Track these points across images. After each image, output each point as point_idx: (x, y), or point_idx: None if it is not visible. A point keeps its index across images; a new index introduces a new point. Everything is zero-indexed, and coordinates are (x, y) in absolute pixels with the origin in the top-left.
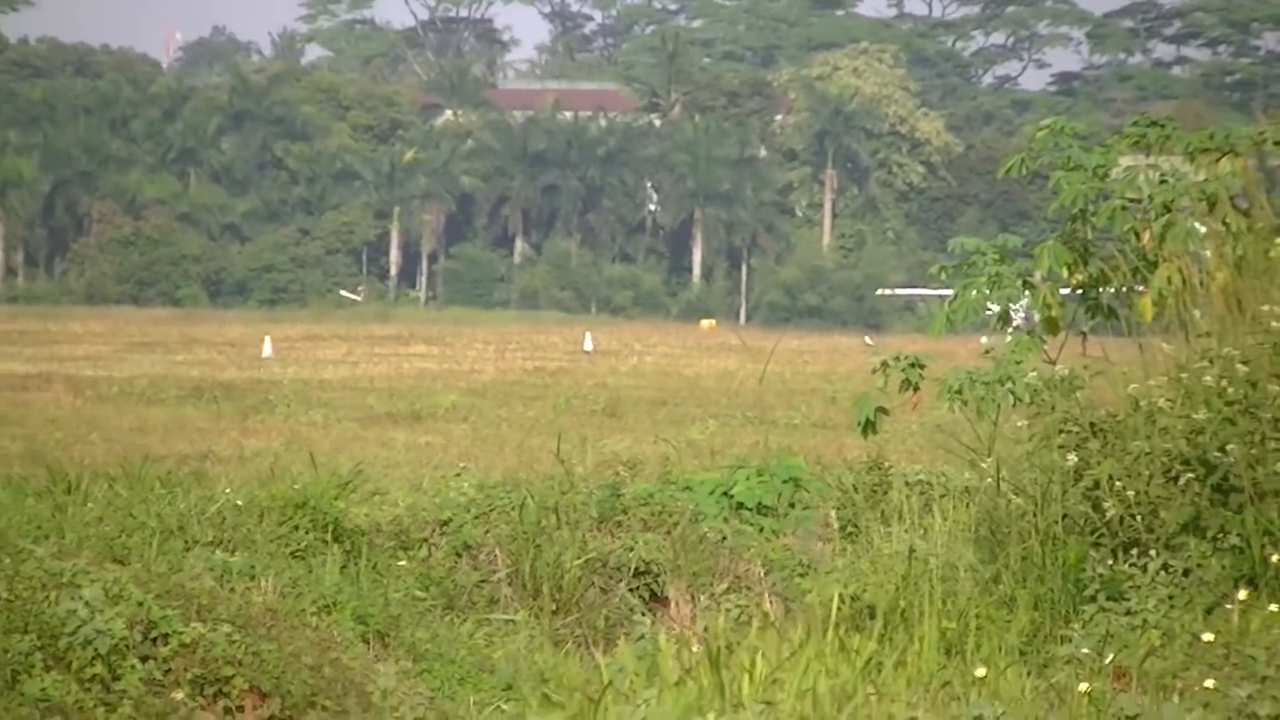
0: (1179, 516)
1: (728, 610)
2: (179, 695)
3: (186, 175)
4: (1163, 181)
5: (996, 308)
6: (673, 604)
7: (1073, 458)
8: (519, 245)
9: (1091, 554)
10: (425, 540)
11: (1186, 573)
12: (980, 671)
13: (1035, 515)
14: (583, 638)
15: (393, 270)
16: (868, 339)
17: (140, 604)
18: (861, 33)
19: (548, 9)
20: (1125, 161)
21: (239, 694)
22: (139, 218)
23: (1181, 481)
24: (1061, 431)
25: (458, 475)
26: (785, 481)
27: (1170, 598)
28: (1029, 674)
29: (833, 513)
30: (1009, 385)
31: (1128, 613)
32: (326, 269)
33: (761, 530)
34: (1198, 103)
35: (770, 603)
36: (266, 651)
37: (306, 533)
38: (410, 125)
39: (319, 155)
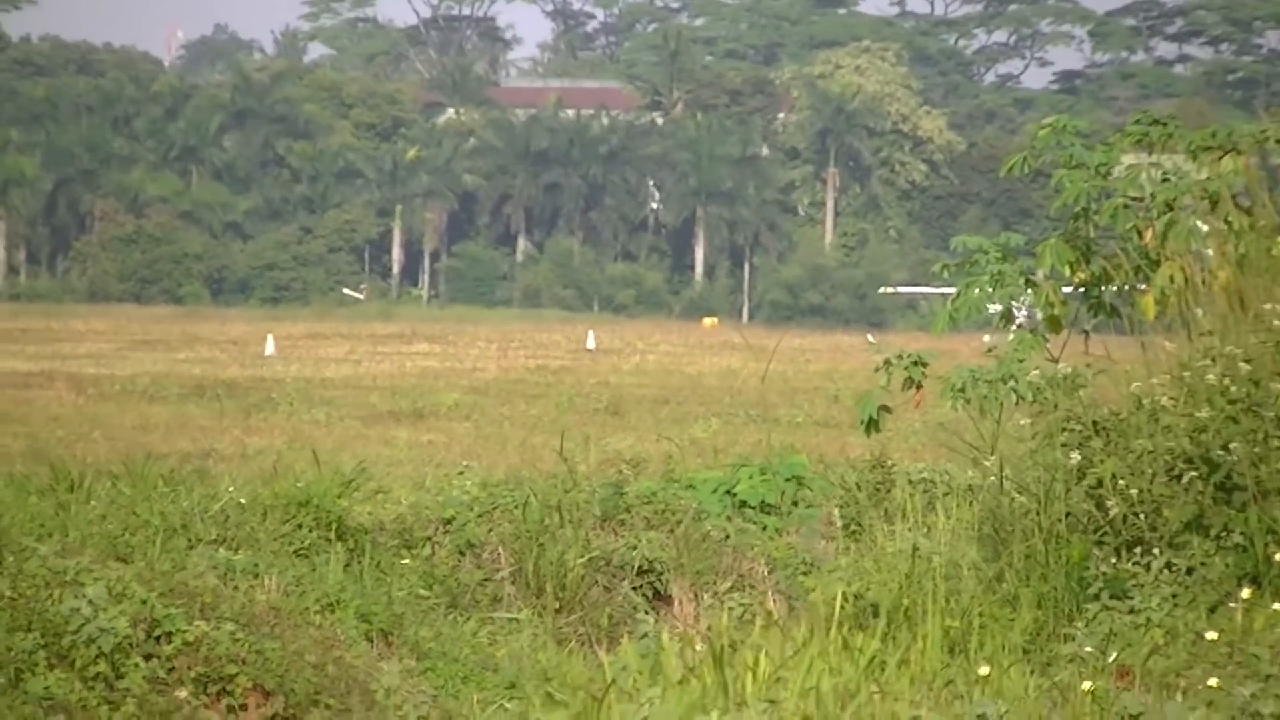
0: (1182, 515)
1: (731, 609)
2: (182, 693)
3: (189, 173)
4: (1165, 180)
5: (999, 306)
6: (676, 602)
7: (1076, 456)
8: (521, 243)
9: (1095, 552)
10: (428, 539)
11: (1190, 571)
12: (984, 670)
13: (1038, 514)
14: (586, 636)
15: (395, 268)
16: (870, 337)
17: (144, 602)
18: (864, 31)
19: (550, 7)
20: (1127, 160)
21: (242, 692)
22: (141, 216)
23: (1184, 480)
24: (1064, 430)
25: (460, 474)
26: (788, 480)
27: (1173, 596)
28: (1032, 672)
29: (836, 511)
30: (1012, 384)
31: (1131, 611)
32: (329, 267)
33: (765, 529)
34: (1200, 101)
35: (773, 601)
36: (270, 650)
37: (310, 531)
38: (413, 123)
39: (321, 153)
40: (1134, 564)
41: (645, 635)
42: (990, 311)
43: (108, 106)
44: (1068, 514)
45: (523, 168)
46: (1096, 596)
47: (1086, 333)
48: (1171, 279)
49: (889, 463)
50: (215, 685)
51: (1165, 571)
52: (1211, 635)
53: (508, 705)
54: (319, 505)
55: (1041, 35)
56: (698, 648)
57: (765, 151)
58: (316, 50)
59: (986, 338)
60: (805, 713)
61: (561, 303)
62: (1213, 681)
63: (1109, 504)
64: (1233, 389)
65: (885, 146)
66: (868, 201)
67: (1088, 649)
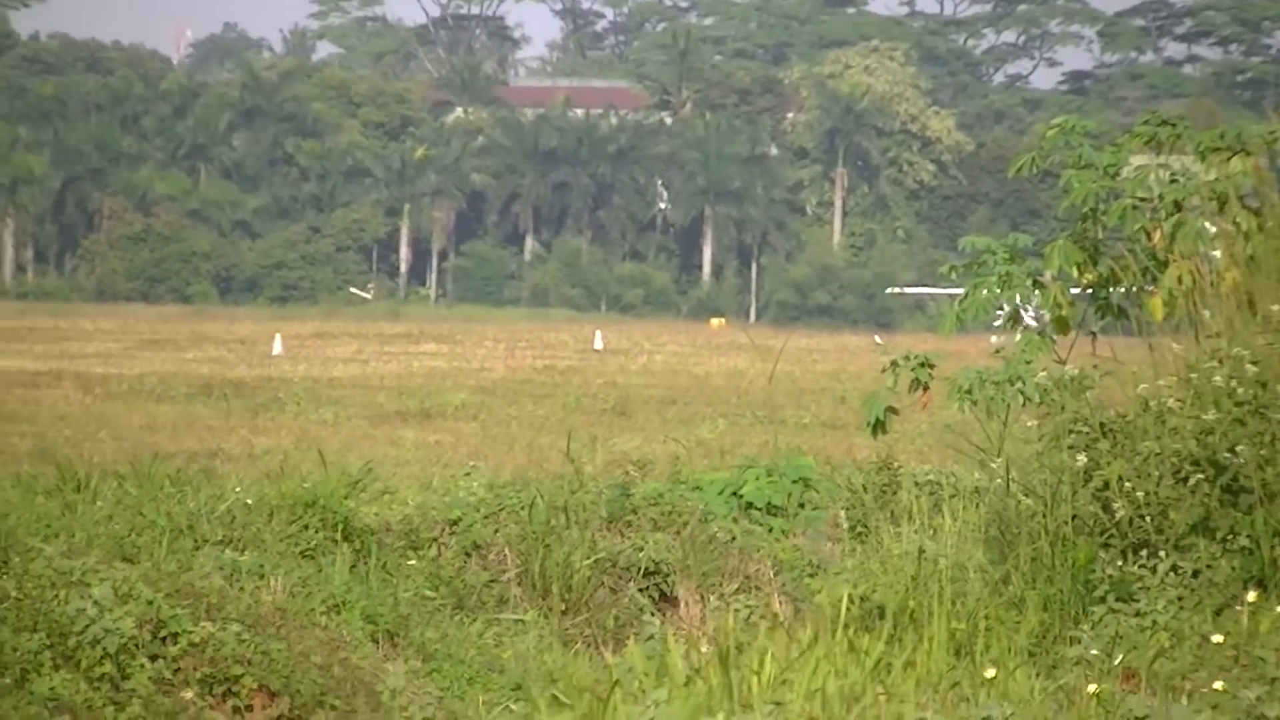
0: (1188, 517)
1: (737, 610)
2: (188, 694)
3: (197, 172)
4: (1173, 180)
5: (1007, 307)
6: (682, 604)
7: (1082, 458)
8: (529, 243)
9: (1101, 555)
10: (435, 539)
11: (1196, 574)
12: (989, 672)
13: (1045, 516)
14: (592, 638)
15: (403, 268)
16: (877, 338)
17: (150, 603)
18: (873, 31)
19: (559, 6)
20: (1136, 160)
21: (248, 693)
22: (149, 214)
23: (1191, 482)
24: (1071, 432)
25: (467, 474)
26: (795, 481)
27: (1180, 599)
28: (1038, 675)
29: (842, 513)
30: (1019, 385)
31: (1137, 614)
32: (337, 266)
33: (771, 530)
34: (1209, 101)
35: (779, 603)
36: (276, 651)
37: (316, 532)
38: (421, 122)
39: (330, 152)
40: (1140, 566)
41: (651, 637)
42: (998, 312)
43: (116, 105)
44: (1074, 516)
45: (531, 167)
46: (1102, 599)
47: (1094, 334)
48: (1179, 280)
49: (895, 464)
50: (221, 686)
51: (1171, 574)
52: (1217, 638)
53: (513, 707)
54: (325, 506)
55: (1050, 35)
56: (703, 649)
57: (774, 151)
58: (325, 49)
59: (994, 339)
60: (811, 715)
61: (569, 302)
62: (1218, 684)
63: (1115, 506)
64: (1240, 391)
65: (894, 146)
66: (876, 201)
67: (1094, 651)
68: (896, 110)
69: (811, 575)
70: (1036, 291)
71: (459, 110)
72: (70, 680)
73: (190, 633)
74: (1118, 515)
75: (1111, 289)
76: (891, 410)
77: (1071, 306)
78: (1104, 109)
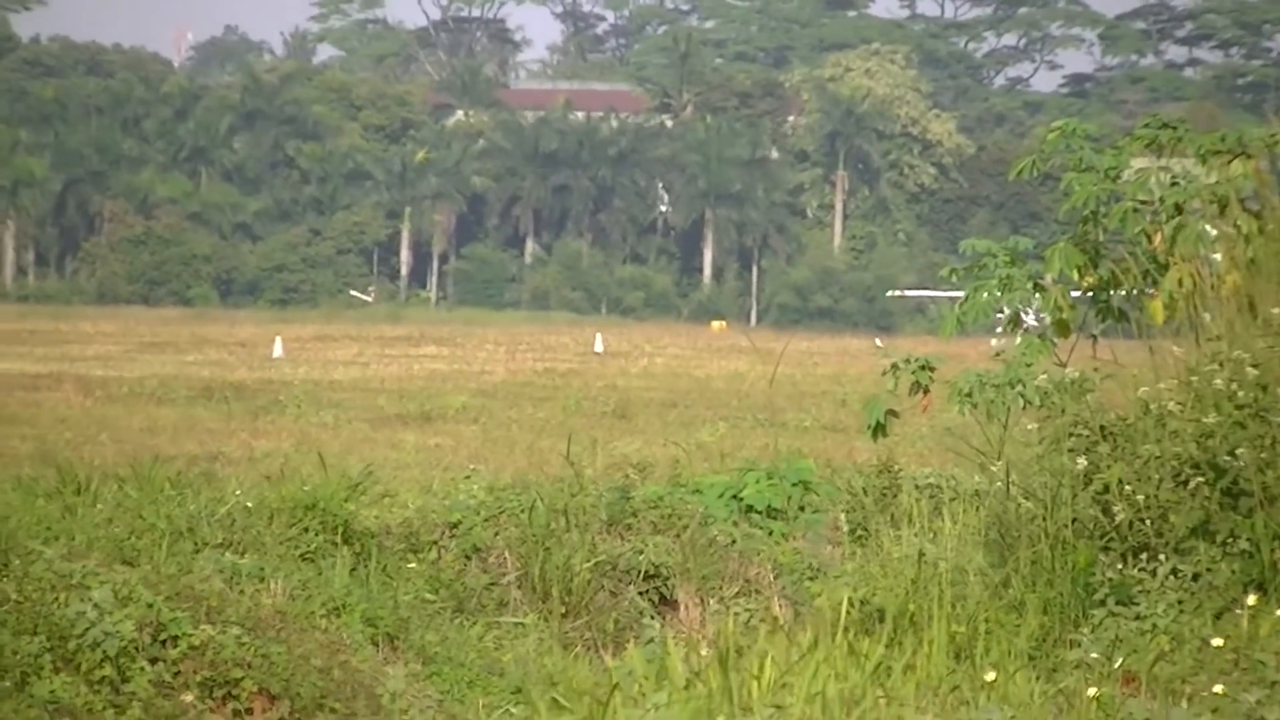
0: (1189, 521)
1: (737, 614)
2: (188, 697)
3: (198, 174)
4: (1174, 183)
5: (1007, 310)
6: (682, 607)
7: (1082, 461)
8: (530, 246)
9: (1101, 558)
10: (435, 543)
11: (1196, 577)
12: (989, 676)
13: (1045, 519)
14: (592, 641)
15: (403, 270)
16: (878, 341)
17: (150, 606)
18: (873, 34)
19: (560, 9)
20: (1137, 163)
21: (248, 696)
22: (150, 217)
23: (1191, 485)
24: (1071, 435)
25: (467, 477)
26: (795, 485)
27: (1180, 602)
28: (1038, 678)
29: (842, 516)
30: (1019, 388)
31: (1137, 617)
32: (337, 269)
33: (771, 534)
34: (1210, 105)
35: (779, 606)
36: (276, 654)
37: (316, 535)
38: (422, 125)
39: (330, 155)
40: (1140, 570)
41: (651, 640)
42: (998, 315)
43: (117, 107)
44: (1074, 519)
45: (531, 170)
46: (1103, 602)
47: (1094, 337)
48: (1180, 283)
49: (896, 467)
50: (221, 689)
51: (1171, 577)
52: (1217, 641)
53: (513, 710)
54: (325, 509)
55: (1051, 38)
56: (703, 653)
57: (774, 154)
58: (326, 52)
59: (994, 342)
60: (811, 718)
61: (570, 305)
62: (1218, 688)
63: (1116, 509)
64: (1240, 394)
65: (894, 149)
66: (876, 204)
67: (1093, 655)
68: (897, 113)
69: (811, 578)
70: (1037, 294)
71: (460, 113)
72: (70, 683)
73: (190, 636)
74: (1118, 518)
75: (1112, 292)
76: (892, 413)
77: (1072, 309)
78: (1105, 112)
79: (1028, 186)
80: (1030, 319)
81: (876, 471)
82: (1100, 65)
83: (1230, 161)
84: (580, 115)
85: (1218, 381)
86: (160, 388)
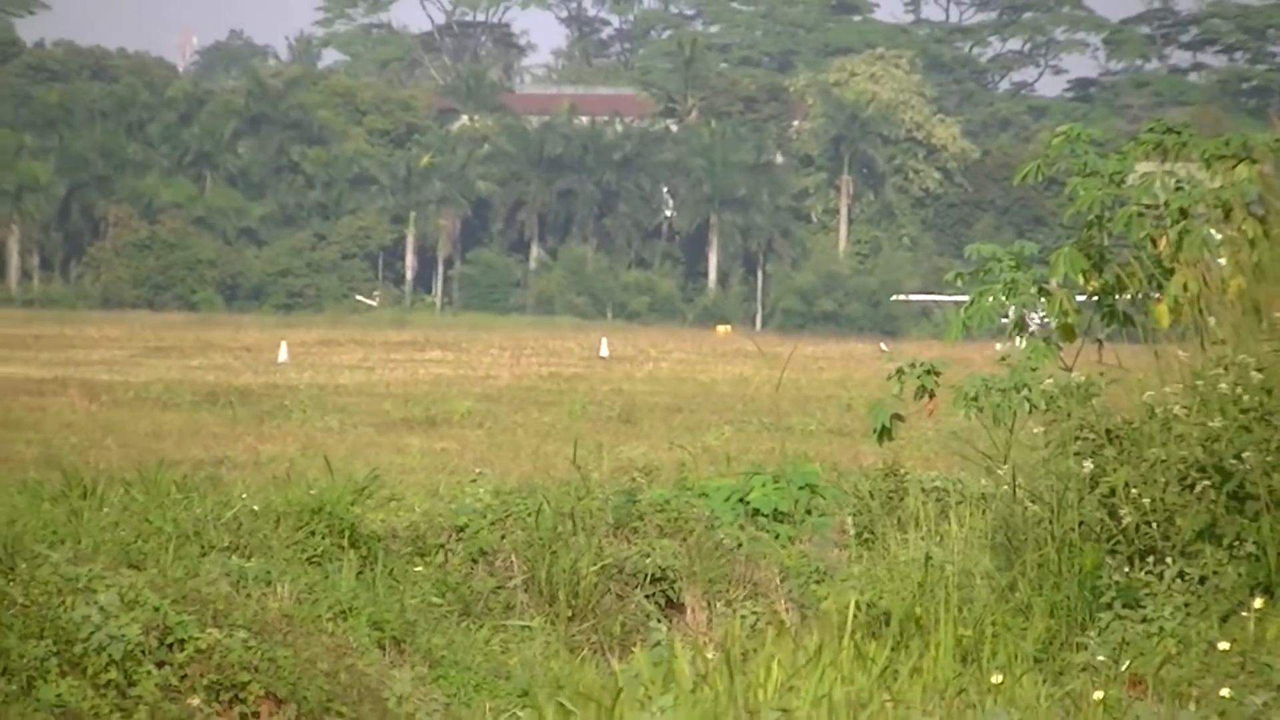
0: (1195, 524)
1: (743, 617)
2: (195, 701)
3: (202, 179)
4: (1179, 188)
5: (1012, 314)
6: (689, 611)
7: (1088, 465)
8: (535, 250)
9: (1107, 561)
10: (441, 546)
11: (1202, 580)
12: (996, 679)
13: (1051, 522)
14: (599, 644)
15: (408, 275)
16: (883, 345)
17: (156, 609)
18: (878, 38)
19: (564, 14)
20: (1142, 168)
21: (255, 700)
22: (155, 222)
23: (1197, 489)
24: (1077, 439)
25: (473, 481)
26: (801, 488)
27: (1186, 605)
28: (1044, 681)
29: (849, 519)
30: (1025, 392)
31: (1144, 620)
32: (342, 274)
33: (777, 537)
34: (1214, 109)
35: (786, 610)
36: (282, 657)
37: (322, 538)
38: (426, 130)
39: (335, 159)
40: (1147, 573)
41: (658, 643)
42: (1003, 320)
43: (122, 112)
44: (1080, 523)
45: (536, 174)
46: (1109, 605)
47: (1100, 341)
48: (1185, 287)
49: (902, 471)
50: (227, 693)
51: (1178, 581)
52: (1224, 645)
53: (520, 713)
54: (332, 513)
55: (1056, 43)
56: (710, 656)
57: (779, 158)
58: (331, 56)
59: (999, 346)
60: None
61: (575, 310)
62: (1225, 691)
63: (1122, 513)
64: (1246, 398)
65: (899, 154)
66: (881, 209)
67: (1100, 658)
68: (902, 118)
69: (818, 582)
70: (1042, 299)
71: (464, 117)
72: (76, 687)
73: (197, 639)
74: (1124, 522)
75: (1117, 296)
76: (898, 417)
77: (1077, 314)
78: (1109, 116)
79: (1032, 191)
80: (1035, 323)
81: (883, 475)
82: (1105, 70)
83: (1235, 166)
84: (585, 120)
85: (1223, 385)
86: (165, 392)
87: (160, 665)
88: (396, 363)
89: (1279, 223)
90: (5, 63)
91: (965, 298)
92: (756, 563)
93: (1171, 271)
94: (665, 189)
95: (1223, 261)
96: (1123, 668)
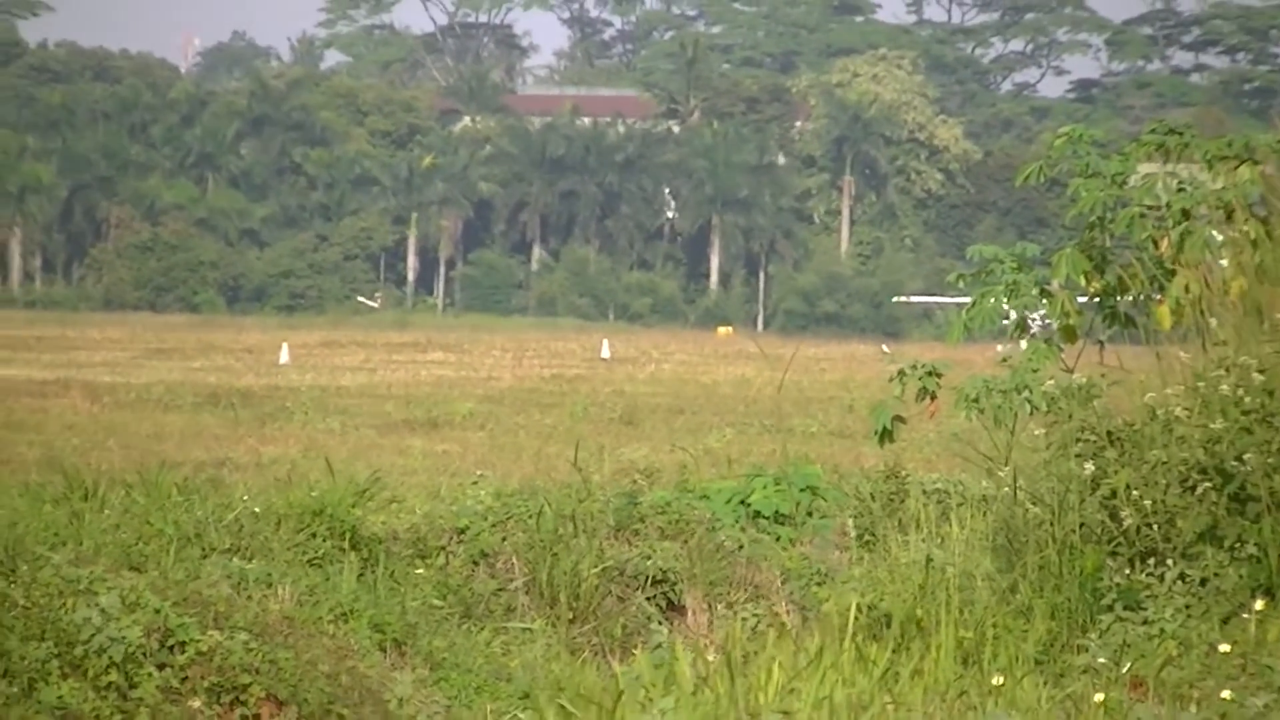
0: (1196, 526)
1: (744, 619)
2: (195, 703)
3: (205, 180)
4: (1181, 189)
5: (1014, 316)
6: (690, 613)
7: (1090, 467)
8: (537, 252)
9: (1108, 563)
10: (442, 548)
11: (1203, 582)
12: (997, 680)
13: (1052, 524)
14: (600, 646)
15: (410, 276)
16: (885, 347)
17: (157, 611)
18: (881, 39)
19: (567, 15)
20: (1143, 169)
21: (256, 702)
22: (157, 223)
23: (1198, 491)
24: (1079, 440)
25: (475, 483)
26: (802, 490)
27: (1187, 607)
28: (1045, 683)
29: (850, 521)
30: (1026, 394)
31: (1145, 622)
32: (344, 275)
33: (778, 539)
34: (1216, 110)
35: (787, 612)
36: (283, 659)
37: (324, 540)
38: (429, 131)
39: (337, 161)
40: (1148, 575)
41: (659, 645)
42: (1005, 321)
43: (124, 113)
44: (1082, 525)
45: (539, 175)
46: (1110, 607)
47: (1101, 343)
48: (1187, 289)
49: (903, 473)
50: (228, 695)
51: (1179, 582)
52: (1225, 647)
53: (521, 715)
54: (333, 514)
55: (1058, 44)
56: (711, 658)
57: (781, 159)
58: (333, 57)
59: (1000, 347)
60: None
61: (577, 311)
62: (1226, 693)
63: (1123, 515)
64: (1247, 400)
65: (901, 155)
66: (883, 210)
67: (1101, 660)
68: (904, 119)
69: (819, 584)
70: (1044, 300)
71: (466, 119)
72: (78, 689)
73: (198, 641)
74: (1125, 523)
75: (1119, 297)
76: (899, 419)
77: (1079, 315)
78: (1111, 117)
79: (1034, 192)
80: (1037, 325)
81: (884, 477)
82: (1107, 71)
83: (1237, 167)
84: (587, 121)
85: (1224, 387)
86: (167, 394)
87: (161, 667)
88: (398, 364)
89: None
90: (8, 64)
91: (967, 299)
92: (758, 565)
93: (1173, 273)
94: (667, 190)
95: (1224, 263)
96: (1124, 670)
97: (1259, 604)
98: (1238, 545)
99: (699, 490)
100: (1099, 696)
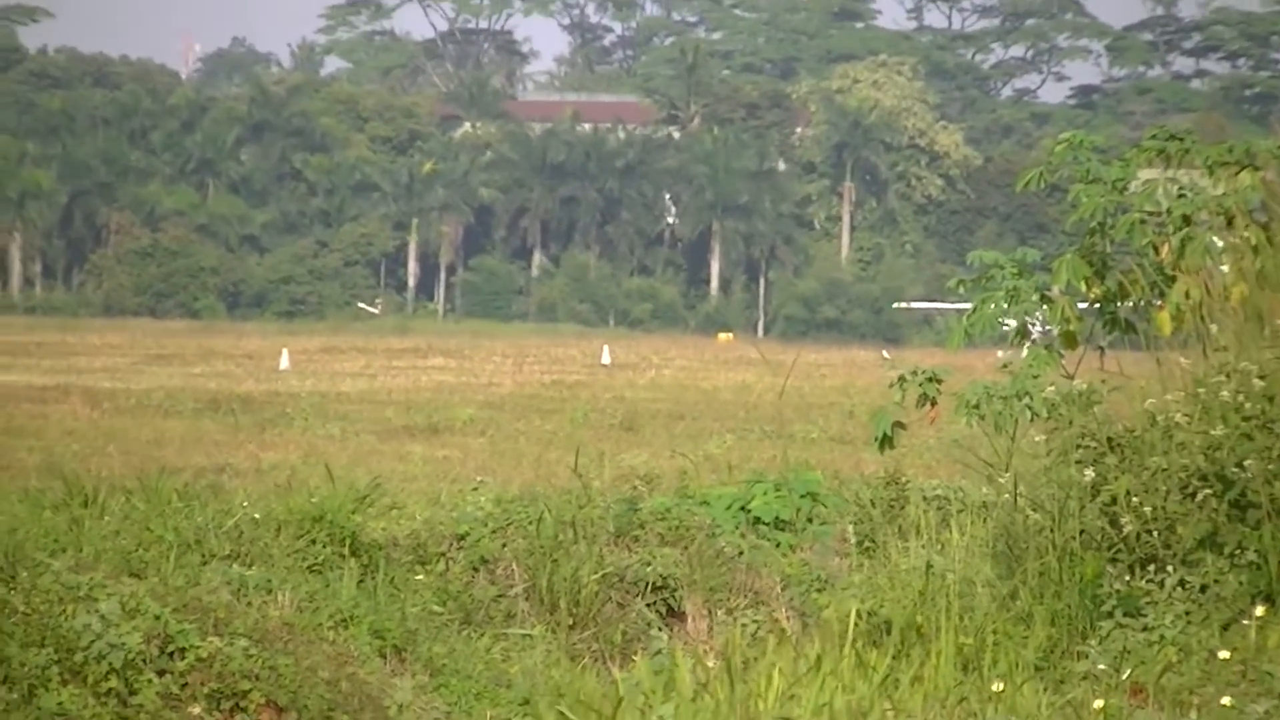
0: (1196, 532)
1: (744, 625)
2: (195, 710)
3: (205, 186)
4: (1181, 195)
5: (1014, 322)
6: (690, 619)
7: (1090, 473)
8: (537, 257)
9: (1109, 570)
10: (443, 554)
11: (1203, 589)
12: (997, 687)
13: (1052, 531)
14: (600, 653)
15: (411, 282)
16: (885, 353)
17: (157, 618)
18: (881, 45)
19: (567, 21)
20: (1144, 175)
21: (256, 708)
22: (157, 229)
23: (1199, 497)
24: (1079, 447)
25: (475, 489)
26: (803, 496)
27: (1187, 614)
28: (1045, 690)
29: (850, 528)
30: (1026, 400)
31: (1145, 629)
32: (344, 281)
33: (779, 545)
34: (1217, 116)
35: (787, 618)
36: (283, 666)
37: (324, 546)
38: (429, 136)
39: (338, 167)
40: (1148, 581)
41: (659, 652)
42: (1005, 327)
43: (124, 119)
44: (1082, 531)
45: (539, 181)
46: (1110, 614)
47: (1102, 349)
48: (1187, 295)
49: (903, 479)
50: (228, 701)
51: (1179, 589)
52: (1225, 653)
53: None
54: (333, 521)
55: (1059, 50)
56: (711, 664)
57: (781, 166)
58: (333, 63)
59: (1001, 354)
60: None
61: (577, 317)
62: (1226, 700)
63: (1123, 521)
64: (1247, 406)
65: (902, 161)
66: (884, 216)
67: (1101, 666)
68: (904, 125)
69: (819, 590)
70: (1044, 306)
71: (467, 125)
72: (77, 695)
73: (197, 648)
74: (1125, 530)
75: (1119, 303)
76: (899, 425)
77: (1079, 321)
78: (1112, 123)
79: (1035, 198)
80: (1037, 331)
81: (884, 483)
82: (1107, 76)
83: (1238, 173)
84: (587, 127)
85: (1225, 393)
86: (167, 400)
87: (161, 674)
88: (398, 370)
89: None
90: (8, 70)
91: (967, 305)
92: (758, 571)
93: (1174, 278)
94: (667, 196)
95: (1225, 269)
96: (1124, 676)
97: (1259, 611)
98: (1238, 552)
99: (699, 496)
100: (1099, 703)
